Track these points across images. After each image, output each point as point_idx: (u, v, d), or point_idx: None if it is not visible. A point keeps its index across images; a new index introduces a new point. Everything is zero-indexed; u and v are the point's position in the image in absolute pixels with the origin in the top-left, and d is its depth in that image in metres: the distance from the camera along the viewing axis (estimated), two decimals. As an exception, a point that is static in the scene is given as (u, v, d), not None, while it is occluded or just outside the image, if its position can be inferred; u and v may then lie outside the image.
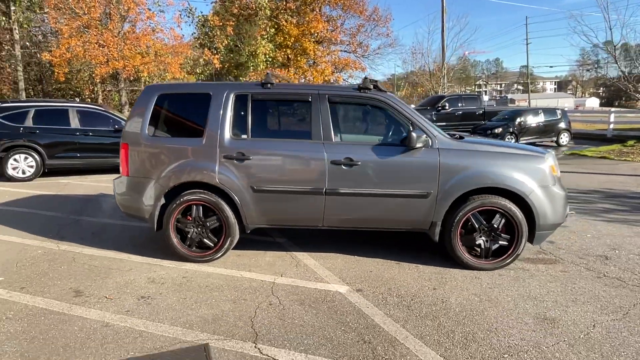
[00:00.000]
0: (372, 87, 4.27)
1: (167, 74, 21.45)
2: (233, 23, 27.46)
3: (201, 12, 27.47)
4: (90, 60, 19.48)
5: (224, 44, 27.46)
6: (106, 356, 2.78)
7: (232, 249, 4.57)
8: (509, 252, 4.13)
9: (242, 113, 4.32)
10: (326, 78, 27.46)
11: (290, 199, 4.25)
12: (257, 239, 5.09)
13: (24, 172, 9.18)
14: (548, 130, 16.46)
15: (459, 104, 18.82)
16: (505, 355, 2.77)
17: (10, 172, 9.07)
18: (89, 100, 25.90)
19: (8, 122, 9.10)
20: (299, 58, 26.28)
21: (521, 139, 16.06)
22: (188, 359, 2.73)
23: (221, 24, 27.90)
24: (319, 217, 4.28)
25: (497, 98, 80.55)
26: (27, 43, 24.72)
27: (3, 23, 23.65)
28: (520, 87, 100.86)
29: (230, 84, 4.46)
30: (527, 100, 55.21)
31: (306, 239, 5.15)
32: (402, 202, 4.16)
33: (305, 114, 4.28)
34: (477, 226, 4.13)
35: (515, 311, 3.35)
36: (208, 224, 4.34)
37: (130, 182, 4.47)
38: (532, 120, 16.25)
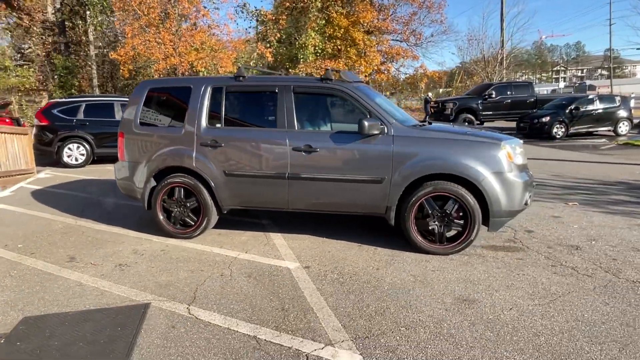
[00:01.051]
0: (332, 78, 4.49)
1: (220, 68, 22.57)
2: (286, 16, 28.16)
3: (255, 7, 28.36)
4: (149, 57, 21.04)
5: (276, 37, 28.26)
6: (67, 307, 3.35)
7: (219, 228, 5.06)
8: (462, 238, 4.20)
9: (217, 104, 4.74)
10: (375, 68, 27.33)
11: (257, 182, 4.62)
12: (244, 220, 5.53)
13: (76, 160, 10.40)
14: (604, 119, 15.31)
15: (508, 92, 18.01)
16: (403, 328, 2.95)
17: (65, 159, 10.33)
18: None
19: (63, 115, 10.35)
20: (348, 49, 26.34)
21: (572, 128, 15.12)
22: (126, 313, 3.22)
23: (274, 17, 28.73)
24: (284, 201, 4.62)
25: (576, 84, 74.81)
26: (100, 43, 27.21)
27: (81, 26, 26.22)
28: (604, 73, 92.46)
29: (209, 78, 4.91)
30: (610, 87, 50.61)
31: (287, 221, 5.49)
32: (358, 187, 4.37)
33: (272, 105, 4.61)
34: (430, 212, 4.23)
35: (441, 292, 3.48)
36: (188, 204, 4.84)
37: (125, 166, 5.09)
38: (586, 108, 15.18)
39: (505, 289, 3.52)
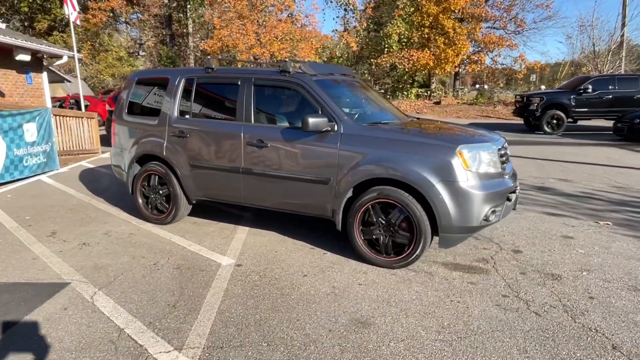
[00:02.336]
0: (290, 69, 4.26)
1: (296, 58, 22.95)
2: (373, 5, 27.57)
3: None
4: (234, 48, 22.16)
5: (363, 27, 27.85)
6: (4, 277, 3.70)
7: (198, 217, 5.24)
8: (406, 252, 3.74)
9: (188, 95, 4.80)
10: (465, 57, 25.51)
11: (216, 175, 4.60)
12: (229, 211, 5.57)
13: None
14: None
15: (610, 87, 15.51)
16: (265, 344, 2.73)
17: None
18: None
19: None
20: (436, 37, 24.94)
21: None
22: (41, 290, 3.45)
23: (363, 7, 28.30)
24: (240, 195, 4.54)
25: None
26: (199, 35, 29.37)
27: (182, 19, 28.52)
28: None
29: (185, 69, 4.97)
30: None
31: (266, 216, 5.40)
32: (305, 187, 4.12)
33: (234, 97, 4.53)
34: (375, 219, 3.84)
35: (343, 310, 3.14)
36: (161, 192, 5.02)
37: (115, 152, 5.44)
38: None
39: (420, 316, 3.05)
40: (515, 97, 17.81)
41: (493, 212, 3.63)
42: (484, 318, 3.02)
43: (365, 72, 29.40)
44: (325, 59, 30.18)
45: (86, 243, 4.54)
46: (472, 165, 3.57)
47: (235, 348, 2.68)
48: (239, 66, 14.41)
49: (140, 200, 5.18)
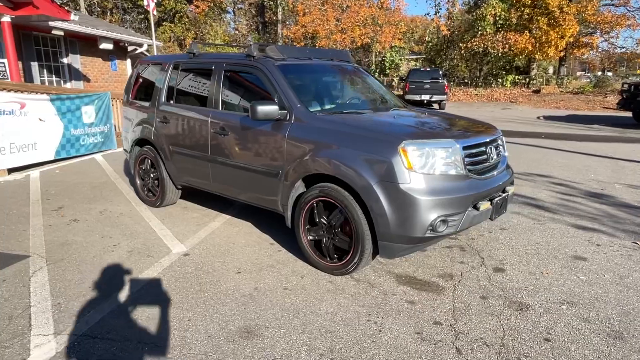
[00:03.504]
0: (255, 53, 4.02)
1: (376, 43, 22.23)
2: (468, -15, 25.58)
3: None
4: (314, 34, 22.17)
5: (455, 9, 26.03)
6: (-14, 246, 4.09)
7: (193, 202, 5.31)
8: (346, 259, 3.33)
9: (174, 81, 4.82)
10: (571, 40, 22.44)
11: (190, 162, 4.57)
12: (224, 199, 5.55)
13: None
14: None
15: None
16: (135, 340, 2.62)
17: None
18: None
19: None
20: (538, 18, 22.30)
21: None
22: (3, 259, 3.74)
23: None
24: (209, 184, 4.47)
25: None
26: (287, 22, 29.93)
27: (272, 7, 29.29)
28: None
29: (177, 55, 4.97)
30: None
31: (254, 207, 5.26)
32: (259, 178, 3.89)
33: (208, 82, 4.43)
34: (318, 219, 3.48)
35: (243, 314, 2.90)
36: (152, 175, 5.16)
37: (123, 135, 5.71)
38: None
39: (318, 334, 2.69)
40: (622, 86, 15.21)
41: (444, 221, 3.05)
42: (387, 346, 2.56)
43: (456, 57, 27.48)
44: (414, 44, 28.86)
45: (77, 219, 4.84)
46: (417, 165, 3.02)
47: (108, 340, 2.61)
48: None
49: (137, 182, 5.40)
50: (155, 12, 14.81)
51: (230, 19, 37.98)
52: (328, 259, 3.48)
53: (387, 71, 28.44)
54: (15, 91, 7.13)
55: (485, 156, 3.42)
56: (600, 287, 3.26)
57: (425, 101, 19.69)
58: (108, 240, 4.24)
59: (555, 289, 3.24)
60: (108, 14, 36.17)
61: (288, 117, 3.64)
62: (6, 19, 8.58)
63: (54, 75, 11.70)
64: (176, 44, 34.81)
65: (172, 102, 4.81)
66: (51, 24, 9.98)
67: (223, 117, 4.16)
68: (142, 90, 5.33)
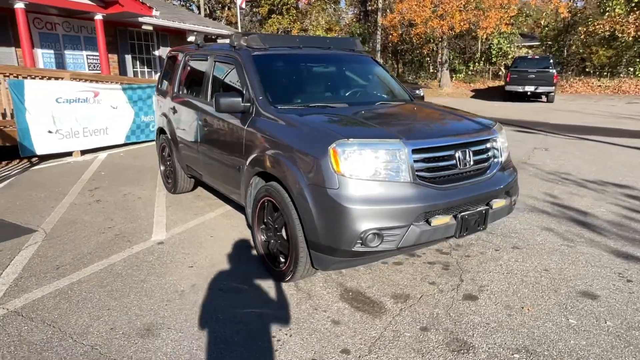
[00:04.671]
0: (236, 43, 3.89)
1: (478, 29, 20.38)
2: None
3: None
4: (411, 21, 21.16)
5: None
6: (19, 217, 4.65)
7: (210, 191, 5.44)
8: (285, 266, 3.08)
9: (183, 72, 4.93)
10: None
11: (189, 152, 4.65)
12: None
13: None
14: None
15: None
16: (50, 326, 2.73)
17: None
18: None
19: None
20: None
21: None
22: (12, 231, 4.21)
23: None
24: (202, 174, 4.50)
25: None
26: (386, 10, 29.05)
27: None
28: None
29: (195, 45, 5.05)
30: None
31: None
32: (229, 172, 3.78)
33: (203, 73, 4.43)
34: (265, 220, 3.27)
35: (155, 312, 2.84)
36: (168, 163, 5.38)
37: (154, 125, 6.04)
38: None
39: (193, 337, 2.52)
40: None
41: (377, 235, 2.62)
42: (270, 370, 2.29)
43: (575, 43, 24.05)
44: (526, 29, 25.95)
45: (100, 200, 5.27)
46: (347, 168, 2.63)
47: (28, 320, 2.77)
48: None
49: (161, 169, 5.68)
50: (243, 5, 15.47)
51: (336, 9, 38.25)
52: (276, 263, 3.26)
53: (494, 59, 26.08)
54: (91, 81, 8.00)
55: (452, 161, 2.86)
56: (587, 337, 2.54)
57: (529, 93, 17.63)
58: (109, 222, 4.53)
59: (523, 330, 2.61)
60: (226, 8, 38.96)
61: (251, 110, 3.46)
62: (98, 16, 9.69)
63: (145, 67, 12.97)
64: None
65: (180, 92, 4.93)
66: (140, 19, 11.03)
67: (206, 109, 4.13)
68: (164, 81, 5.57)
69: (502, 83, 20.43)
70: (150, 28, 11.96)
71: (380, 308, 2.88)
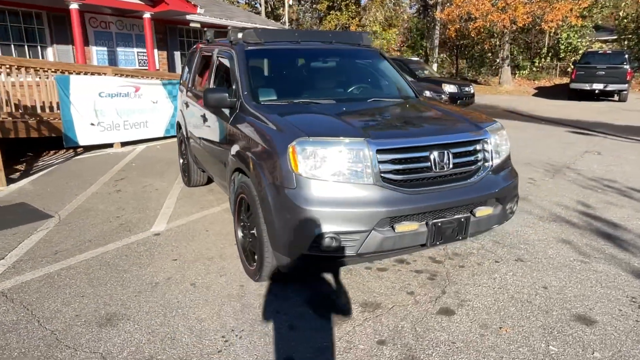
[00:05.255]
0: (232, 38, 3.87)
1: (542, 23, 18.95)
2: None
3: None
4: (469, 15, 20.18)
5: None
6: (44, 203, 5.00)
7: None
8: (255, 265, 3.02)
9: (196, 67, 5.01)
10: None
11: (196, 148, 4.72)
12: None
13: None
14: None
15: None
16: (25, 308, 2.87)
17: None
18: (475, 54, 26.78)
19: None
20: None
21: None
22: (33, 216, 4.52)
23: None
24: (204, 167, 4.56)
25: None
26: (446, 4, 27.89)
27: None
28: None
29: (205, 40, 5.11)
30: None
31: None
32: (220, 166, 3.79)
33: (208, 68, 4.46)
34: (241, 217, 3.23)
35: (116, 301, 2.90)
36: (184, 156, 5.52)
37: (178, 118, 6.21)
38: None
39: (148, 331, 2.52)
40: None
41: (334, 239, 2.47)
42: (205, 371, 2.24)
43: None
44: (601, 22, 23.76)
45: (120, 190, 5.52)
46: (305, 168, 2.50)
47: (10, 301, 2.93)
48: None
49: (179, 162, 5.84)
50: (290, 2, 15.53)
51: (396, 4, 37.46)
52: (252, 261, 3.20)
53: (562, 55, 24.20)
54: (132, 76, 8.41)
55: (426, 163, 2.63)
56: None
57: (597, 91, 16.16)
58: (119, 212, 4.72)
59: (491, 354, 2.35)
60: (288, 6, 39.61)
61: (236, 106, 3.43)
62: (147, 15, 10.17)
63: (194, 63, 13.49)
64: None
65: (192, 87, 5.02)
66: (188, 17, 11.46)
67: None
68: (183, 76, 5.70)
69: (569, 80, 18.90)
70: (198, 25, 12.39)
71: (344, 316, 2.73)
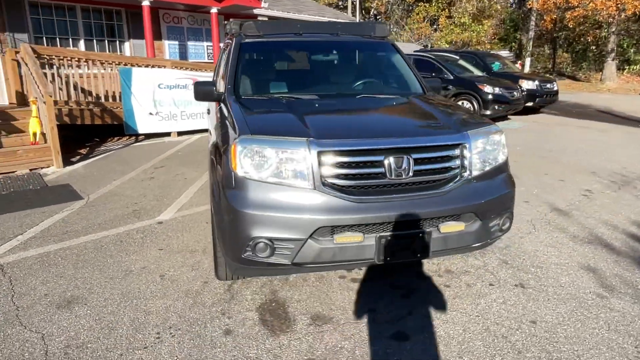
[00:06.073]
0: (233, 31, 3.83)
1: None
2: None
3: None
4: (568, 2, 18.16)
5: None
6: (78, 184, 5.45)
7: None
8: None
9: (220, 60, 5.07)
10: None
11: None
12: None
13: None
14: None
15: None
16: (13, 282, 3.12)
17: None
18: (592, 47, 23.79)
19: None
20: None
21: None
22: (66, 196, 4.94)
23: None
24: (215, 160, 4.60)
25: None
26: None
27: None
28: None
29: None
30: None
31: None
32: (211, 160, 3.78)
33: (222, 62, 4.47)
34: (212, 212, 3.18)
35: (85, 288, 3.01)
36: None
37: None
38: None
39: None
40: None
41: (267, 245, 2.31)
42: (121, 367, 2.23)
43: None
44: None
45: (153, 177, 5.82)
46: (242, 168, 2.36)
47: (11, 270, 3.22)
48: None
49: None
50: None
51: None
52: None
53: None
54: (190, 69, 8.83)
55: (379, 169, 2.34)
56: None
57: None
58: (141, 198, 4.97)
59: (424, 394, 2.03)
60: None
61: (222, 99, 3.39)
62: (214, 10, 10.60)
63: (262, 57, 13.79)
64: (428, 24, 34.61)
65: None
66: (255, 11, 11.72)
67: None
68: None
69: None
70: (266, 19, 12.63)
71: (287, 327, 2.56)
